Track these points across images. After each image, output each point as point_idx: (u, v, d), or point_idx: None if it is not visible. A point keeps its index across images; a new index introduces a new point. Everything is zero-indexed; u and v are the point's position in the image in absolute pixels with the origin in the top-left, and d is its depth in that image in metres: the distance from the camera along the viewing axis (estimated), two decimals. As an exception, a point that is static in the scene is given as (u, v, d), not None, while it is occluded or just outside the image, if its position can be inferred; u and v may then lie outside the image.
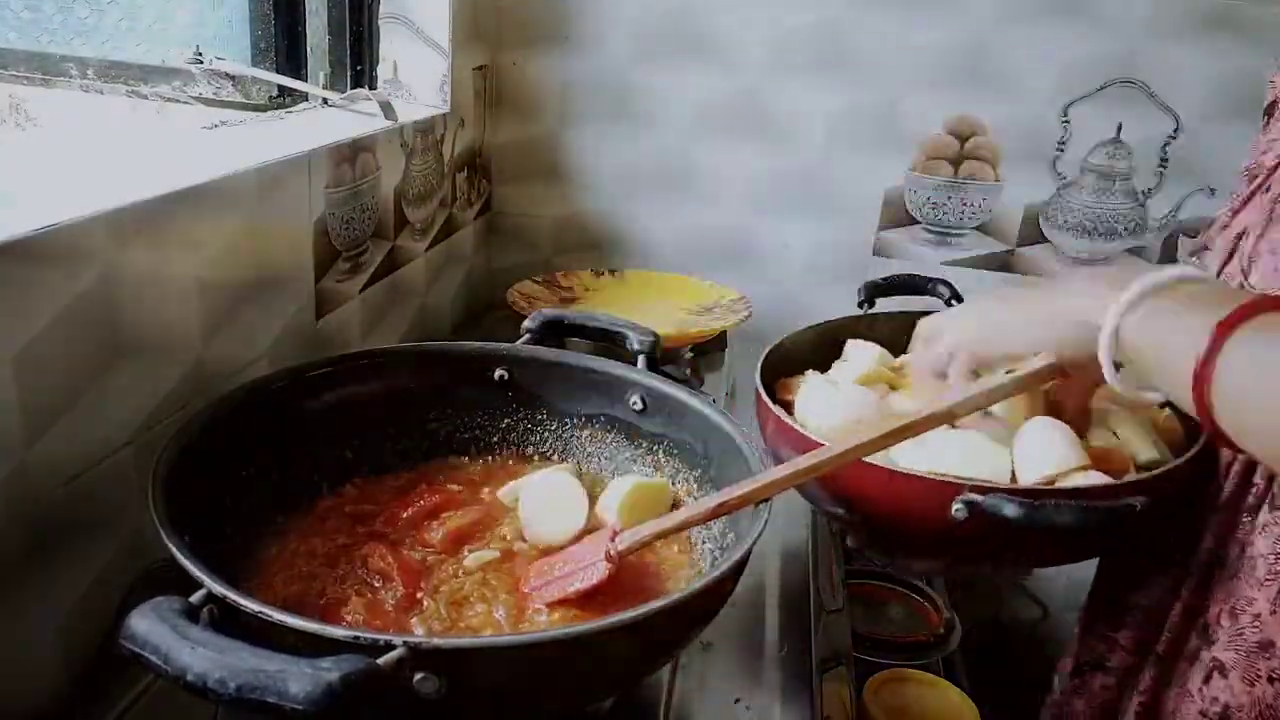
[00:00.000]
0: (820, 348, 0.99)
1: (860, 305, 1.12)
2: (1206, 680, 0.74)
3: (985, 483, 0.71)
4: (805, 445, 0.77)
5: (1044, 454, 0.75)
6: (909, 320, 1.05)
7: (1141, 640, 0.84)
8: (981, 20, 1.30)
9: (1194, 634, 0.78)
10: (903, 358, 0.97)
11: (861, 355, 0.96)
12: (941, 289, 1.15)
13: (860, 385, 0.89)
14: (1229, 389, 0.49)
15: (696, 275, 1.40)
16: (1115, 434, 0.81)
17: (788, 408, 0.85)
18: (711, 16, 1.34)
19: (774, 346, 0.94)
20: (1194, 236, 1.35)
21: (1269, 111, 0.87)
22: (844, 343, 0.99)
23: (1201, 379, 0.50)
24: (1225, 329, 0.49)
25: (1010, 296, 0.78)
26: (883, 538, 0.77)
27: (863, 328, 1.02)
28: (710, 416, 0.73)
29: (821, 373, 0.94)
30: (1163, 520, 0.81)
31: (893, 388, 0.91)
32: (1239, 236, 0.83)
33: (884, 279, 1.16)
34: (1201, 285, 0.57)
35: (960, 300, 1.13)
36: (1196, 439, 0.78)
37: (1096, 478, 0.74)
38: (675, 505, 0.75)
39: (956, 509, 0.69)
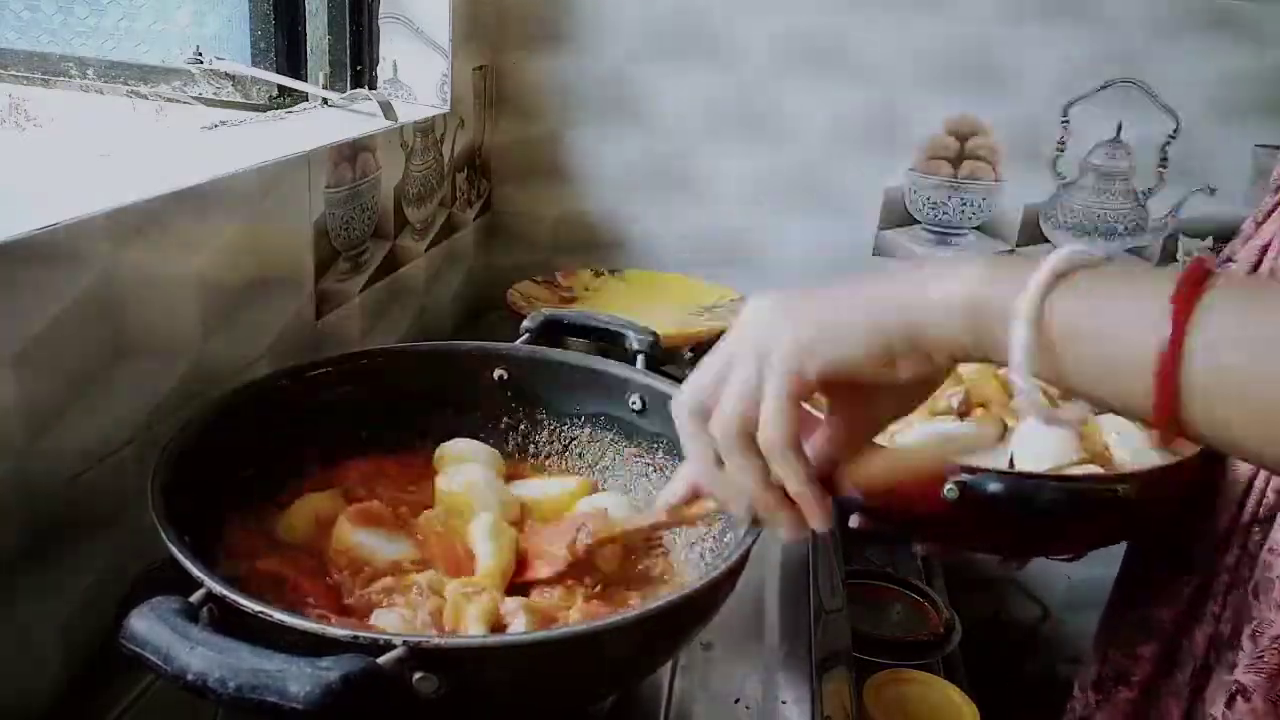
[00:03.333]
0: None
1: None
2: (1229, 704, 0.74)
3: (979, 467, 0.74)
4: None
5: (1041, 449, 0.78)
6: None
7: (1164, 657, 0.83)
8: (981, 20, 1.29)
9: (1213, 655, 0.78)
10: None
11: None
12: None
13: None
14: (1202, 373, 0.40)
15: (696, 275, 1.40)
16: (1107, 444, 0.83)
17: None
18: (711, 16, 1.34)
19: None
20: (1194, 237, 1.35)
21: None
22: None
23: (1168, 364, 0.40)
24: (1186, 300, 0.40)
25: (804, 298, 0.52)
26: (884, 518, 0.80)
27: None
28: (710, 416, 0.73)
29: None
30: (1175, 530, 0.83)
31: None
32: (1264, 249, 0.81)
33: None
34: (1108, 263, 0.45)
35: None
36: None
37: (1092, 470, 0.76)
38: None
39: (948, 489, 0.72)
